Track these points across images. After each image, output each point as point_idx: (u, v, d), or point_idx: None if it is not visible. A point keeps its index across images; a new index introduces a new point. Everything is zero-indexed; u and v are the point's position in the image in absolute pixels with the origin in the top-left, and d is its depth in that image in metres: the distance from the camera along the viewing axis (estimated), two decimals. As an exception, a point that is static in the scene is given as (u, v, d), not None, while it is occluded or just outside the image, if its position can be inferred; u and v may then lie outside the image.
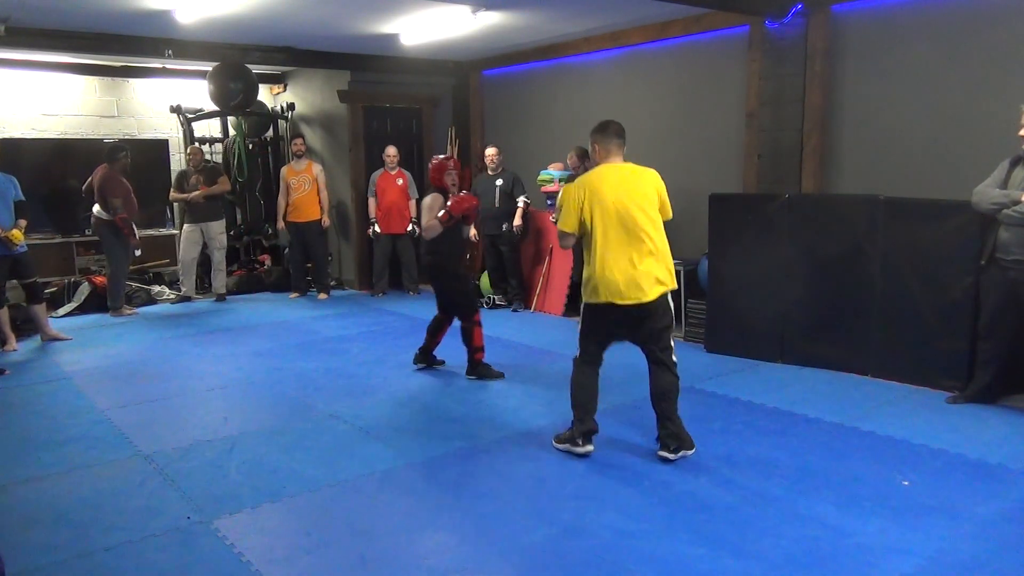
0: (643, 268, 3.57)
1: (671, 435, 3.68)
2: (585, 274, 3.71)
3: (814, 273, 5.22)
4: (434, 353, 5.42)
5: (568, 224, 3.70)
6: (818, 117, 5.70)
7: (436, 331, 5.31)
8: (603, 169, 3.73)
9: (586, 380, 3.84)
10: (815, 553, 2.83)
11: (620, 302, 3.58)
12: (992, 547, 2.86)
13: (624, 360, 5.60)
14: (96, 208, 7.30)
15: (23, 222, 6.10)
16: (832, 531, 2.99)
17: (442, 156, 5.27)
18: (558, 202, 3.77)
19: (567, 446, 3.80)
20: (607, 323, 3.75)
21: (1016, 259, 4.17)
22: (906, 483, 3.42)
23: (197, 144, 8.58)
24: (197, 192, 8.04)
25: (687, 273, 6.30)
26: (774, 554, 2.83)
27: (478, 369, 5.14)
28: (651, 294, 3.58)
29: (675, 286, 3.70)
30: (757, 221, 5.45)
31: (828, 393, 4.72)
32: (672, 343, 3.77)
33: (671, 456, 3.65)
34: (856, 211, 5.05)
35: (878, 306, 4.95)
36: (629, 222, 3.58)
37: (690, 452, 3.72)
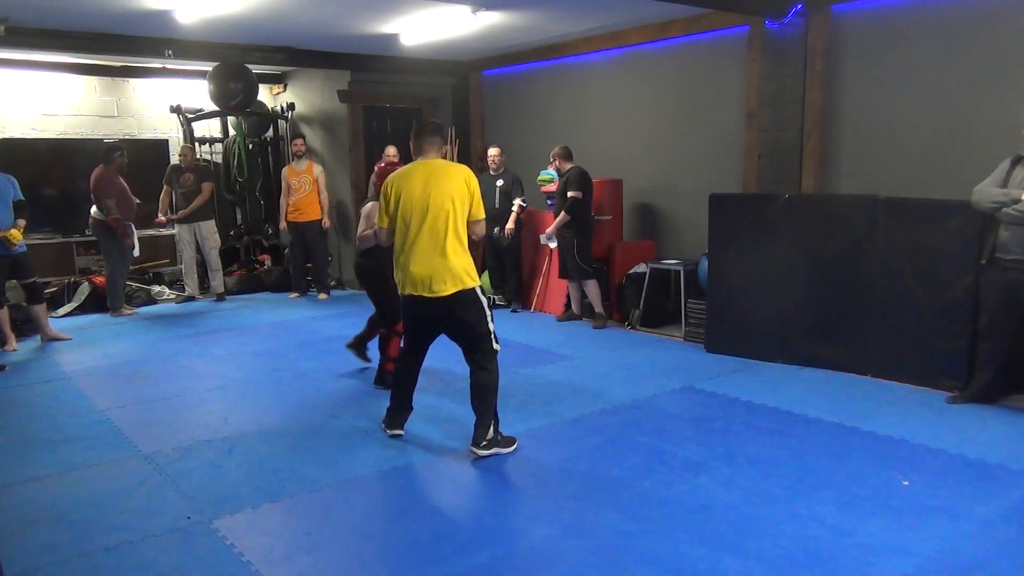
0: (443, 262, 3.65)
1: (474, 436, 3.78)
2: (396, 267, 3.81)
3: (814, 273, 5.22)
4: (367, 345, 5.42)
5: (380, 219, 3.83)
6: (818, 117, 5.70)
7: (375, 324, 5.28)
8: (412, 165, 3.81)
9: (404, 368, 4.06)
10: (815, 553, 2.83)
11: (423, 295, 3.69)
12: (992, 547, 2.86)
13: (624, 360, 5.63)
14: (93, 208, 7.31)
15: (22, 222, 6.09)
16: (832, 531, 2.99)
17: (383, 162, 5.18)
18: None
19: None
20: (415, 316, 3.86)
21: (1016, 258, 4.17)
22: (906, 483, 3.42)
23: (189, 144, 8.54)
24: (181, 212, 8.08)
25: (687, 273, 6.31)
26: (774, 554, 2.83)
27: (387, 379, 4.80)
28: (449, 288, 3.66)
29: (473, 284, 3.73)
30: (757, 221, 5.45)
31: (828, 393, 4.72)
32: (490, 342, 3.78)
33: (478, 452, 3.74)
34: (856, 211, 5.04)
35: (878, 306, 4.95)
36: (434, 218, 3.65)
37: (493, 451, 3.76)
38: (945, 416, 4.29)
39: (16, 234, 5.98)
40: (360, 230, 4.88)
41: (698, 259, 6.25)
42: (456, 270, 3.67)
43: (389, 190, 3.77)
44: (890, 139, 5.41)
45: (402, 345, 4.06)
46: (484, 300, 3.78)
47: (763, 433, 4.07)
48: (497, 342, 3.82)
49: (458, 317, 3.73)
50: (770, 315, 5.44)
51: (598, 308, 6.72)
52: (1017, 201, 4.08)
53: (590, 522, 3.10)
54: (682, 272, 6.34)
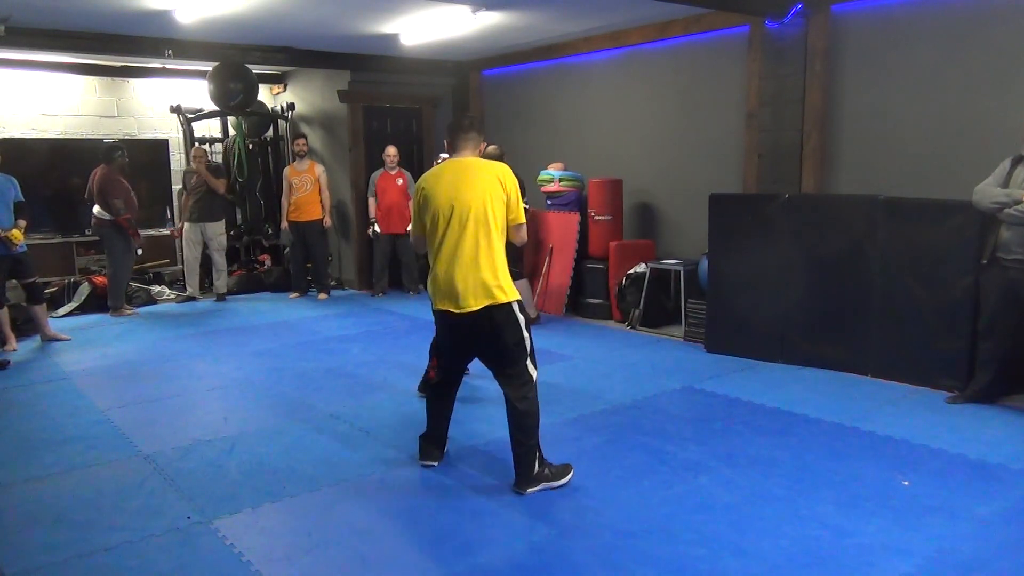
0: (473, 273, 3.25)
1: (517, 474, 3.37)
2: (428, 278, 3.46)
3: (814, 273, 5.22)
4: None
5: (414, 225, 3.51)
6: (818, 117, 5.70)
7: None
8: (443, 164, 3.48)
9: (434, 394, 3.71)
10: (815, 553, 2.83)
11: (454, 309, 3.30)
12: (992, 547, 2.86)
13: (624, 360, 5.63)
14: (96, 208, 7.31)
15: (23, 222, 6.10)
16: (832, 531, 2.99)
17: (446, 156, 5.04)
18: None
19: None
20: (445, 333, 3.49)
21: (1017, 258, 4.17)
22: (906, 483, 3.42)
23: (198, 144, 8.56)
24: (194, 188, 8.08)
25: (687, 273, 6.31)
26: (774, 554, 2.83)
27: (429, 386, 4.83)
28: (478, 303, 3.25)
29: (506, 299, 3.28)
30: (757, 221, 5.45)
31: (828, 393, 4.72)
32: (525, 366, 3.36)
33: (524, 491, 3.34)
34: (856, 211, 5.05)
35: (878, 306, 4.95)
36: (462, 223, 3.27)
37: (541, 487, 3.35)
38: (945, 416, 4.29)
39: (17, 234, 5.99)
40: (413, 231, 4.73)
41: (698, 259, 6.25)
42: (487, 282, 3.25)
43: (419, 192, 3.42)
44: (890, 139, 5.41)
45: (436, 365, 3.69)
46: (522, 318, 3.32)
47: (763, 433, 4.07)
48: (536, 366, 3.40)
49: (488, 336, 3.31)
50: (770, 315, 5.43)
51: (528, 308, 6.77)
52: (1019, 202, 4.08)
53: (590, 522, 3.10)
54: (682, 272, 6.34)
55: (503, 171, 3.37)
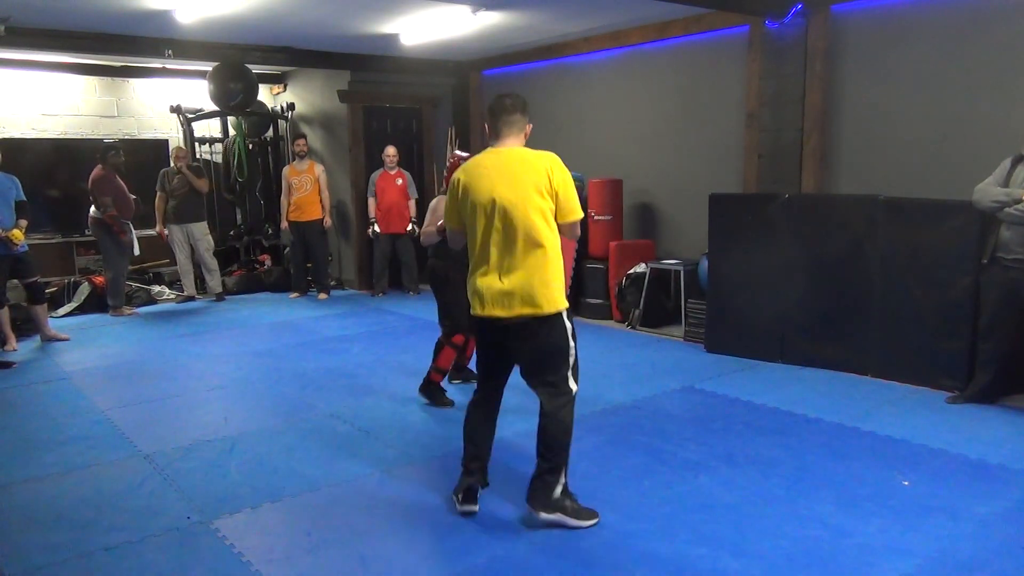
0: (516, 276, 2.93)
1: (532, 489, 3.05)
2: (468, 278, 3.12)
3: (814, 273, 5.22)
4: (469, 367, 4.98)
5: (448, 218, 3.16)
6: (818, 117, 5.70)
7: (465, 345, 4.83)
8: (483, 154, 3.08)
9: (471, 417, 3.24)
10: (815, 553, 2.83)
11: (490, 315, 2.98)
12: (992, 547, 2.86)
13: (624, 360, 5.63)
14: (92, 208, 7.31)
15: (24, 222, 6.10)
16: (832, 531, 2.99)
17: (463, 154, 4.68)
18: None
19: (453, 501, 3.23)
20: (483, 342, 3.18)
21: (1017, 258, 4.17)
22: (906, 483, 3.42)
23: (183, 147, 8.51)
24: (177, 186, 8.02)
25: (687, 273, 6.31)
26: (774, 554, 2.83)
27: (429, 388, 4.65)
28: (519, 310, 2.93)
29: (551, 308, 2.94)
30: (757, 221, 5.44)
31: (828, 393, 4.72)
32: (566, 382, 3.03)
33: (541, 515, 3.02)
34: (856, 211, 5.05)
35: (878, 306, 4.95)
36: (502, 220, 2.93)
37: (556, 517, 3.01)
38: (945, 416, 4.29)
39: (18, 234, 6.00)
40: (424, 226, 4.50)
41: (698, 259, 6.25)
42: (531, 287, 2.90)
43: (456, 184, 3.05)
44: (890, 139, 5.41)
45: (475, 390, 3.31)
46: (569, 328, 2.99)
47: (763, 433, 4.07)
48: (576, 381, 3.07)
49: (529, 346, 3.00)
50: (770, 315, 5.43)
51: None
52: (1019, 201, 4.08)
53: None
54: (682, 272, 6.34)
55: (552, 162, 2.97)
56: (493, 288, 2.95)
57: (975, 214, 4.36)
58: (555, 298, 2.95)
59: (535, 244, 2.92)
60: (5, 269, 6.05)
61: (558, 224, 2.99)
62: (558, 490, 3.02)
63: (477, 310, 3.01)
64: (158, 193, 8.08)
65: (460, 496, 3.18)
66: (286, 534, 3.10)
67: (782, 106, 5.87)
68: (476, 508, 3.18)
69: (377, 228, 8.29)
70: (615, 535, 2.99)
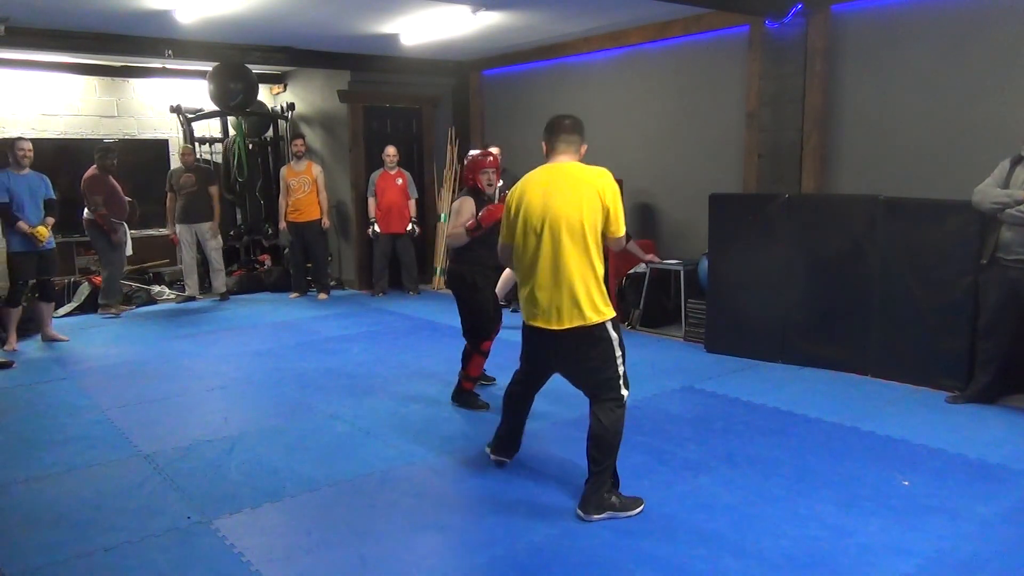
0: (564, 289, 3.05)
1: (586, 495, 3.15)
2: (518, 290, 3.29)
3: (814, 273, 5.22)
4: (484, 372, 4.86)
5: (503, 234, 3.29)
6: (818, 117, 5.70)
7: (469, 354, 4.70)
8: (539, 170, 3.22)
9: (515, 393, 3.57)
10: (815, 553, 2.83)
11: (544, 326, 3.13)
12: (992, 547, 2.86)
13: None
14: (86, 209, 7.31)
15: (51, 219, 6.27)
16: (832, 531, 2.99)
17: (477, 152, 4.66)
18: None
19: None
20: (532, 349, 3.33)
21: (1017, 258, 4.17)
22: (906, 483, 3.42)
23: (189, 145, 8.54)
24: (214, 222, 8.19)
25: (687, 273, 6.31)
26: (774, 554, 2.83)
27: (461, 396, 4.63)
28: (569, 321, 3.07)
29: (598, 319, 3.08)
30: (757, 221, 5.45)
31: (828, 393, 4.72)
32: (617, 389, 3.17)
33: (590, 517, 3.11)
34: (856, 211, 5.05)
35: (878, 306, 4.95)
36: (554, 234, 3.06)
37: (606, 515, 3.11)
38: (945, 416, 4.29)
39: (43, 231, 6.16)
40: (449, 228, 4.40)
41: (698, 259, 6.25)
42: (579, 299, 3.04)
43: (511, 198, 3.20)
44: (890, 139, 5.41)
45: (519, 368, 3.53)
46: (616, 337, 3.12)
47: (763, 433, 4.07)
48: (627, 387, 3.19)
49: (577, 357, 3.15)
50: (770, 315, 5.44)
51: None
52: (1020, 202, 4.08)
53: (590, 522, 3.10)
54: (682, 272, 6.34)
55: (604, 179, 3.10)
56: (544, 300, 3.09)
57: (975, 214, 4.36)
58: (602, 309, 3.09)
59: (584, 257, 3.06)
60: (31, 267, 6.18)
61: (604, 237, 3.14)
62: (606, 490, 3.15)
63: (532, 321, 3.18)
64: (167, 193, 8.16)
65: (492, 446, 3.70)
66: (286, 534, 3.10)
67: (782, 106, 5.87)
68: (508, 460, 3.67)
69: (377, 228, 8.29)
70: (615, 535, 2.99)
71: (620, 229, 3.14)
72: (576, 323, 3.06)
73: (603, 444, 3.13)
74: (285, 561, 2.85)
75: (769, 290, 5.42)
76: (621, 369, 3.15)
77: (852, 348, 5.08)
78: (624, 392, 3.17)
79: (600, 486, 3.13)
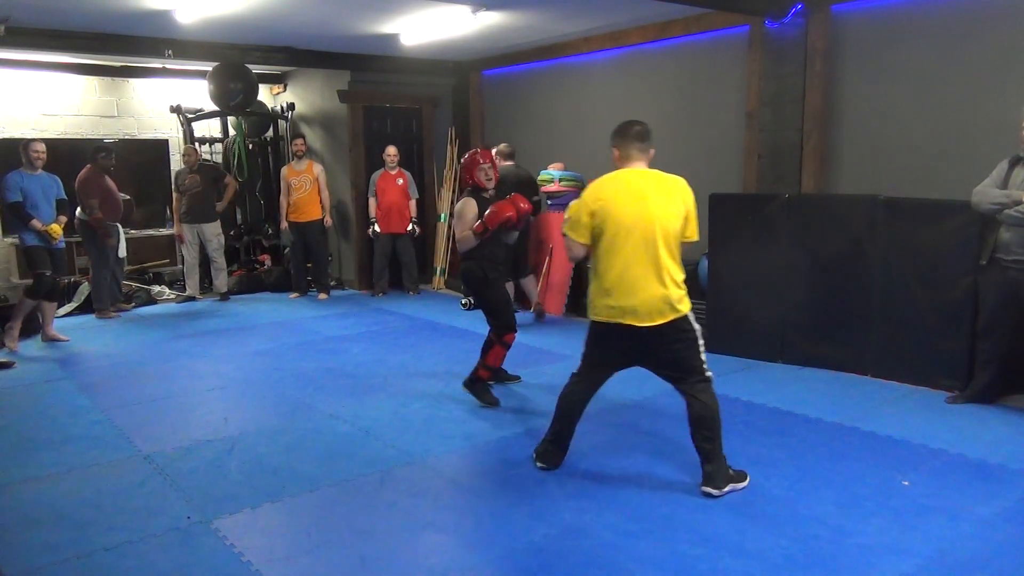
0: (659, 289, 3.27)
1: (706, 473, 3.37)
2: (593, 289, 3.44)
3: (814, 273, 5.22)
4: (503, 367, 4.88)
5: (579, 234, 3.41)
6: (818, 117, 5.70)
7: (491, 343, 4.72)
8: (621, 174, 3.40)
9: (573, 393, 3.62)
10: (815, 553, 2.83)
11: (631, 323, 3.29)
12: (992, 547, 2.86)
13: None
14: (78, 210, 7.30)
15: (63, 218, 6.40)
16: (832, 531, 2.99)
17: (473, 150, 4.76)
18: (568, 209, 3.51)
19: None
20: (611, 345, 3.46)
21: (1017, 259, 4.16)
22: (906, 483, 3.42)
23: (192, 144, 8.55)
24: (220, 206, 8.29)
25: (687, 273, 6.29)
26: (774, 554, 2.83)
27: (475, 385, 4.66)
28: (662, 317, 3.28)
29: (685, 310, 3.33)
30: (757, 221, 5.45)
31: (828, 393, 4.72)
32: (703, 372, 3.38)
33: (715, 492, 3.32)
34: (856, 211, 5.05)
35: (878, 306, 4.95)
36: (647, 237, 3.26)
37: (719, 491, 3.32)
38: (945, 416, 4.29)
39: (56, 229, 6.27)
40: (457, 233, 4.51)
41: (698, 259, 6.24)
42: (672, 297, 3.27)
43: (593, 202, 3.34)
44: (890, 139, 5.41)
45: (578, 370, 3.61)
46: (698, 328, 3.37)
47: (763, 433, 4.07)
48: (709, 369, 3.42)
49: (668, 348, 3.34)
50: (770, 315, 5.43)
51: (534, 301, 7.19)
52: (1019, 203, 4.08)
53: (590, 522, 3.10)
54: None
55: (684, 186, 3.40)
56: (636, 299, 3.27)
57: (975, 214, 4.36)
58: (687, 303, 3.36)
59: (671, 257, 3.32)
60: (46, 258, 6.27)
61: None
62: (726, 464, 3.38)
63: (617, 318, 3.31)
64: (174, 194, 8.21)
65: (539, 453, 3.68)
66: (286, 534, 3.10)
67: (782, 106, 5.87)
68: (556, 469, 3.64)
69: (377, 228, 8.29)
70: (615, 535, 2.99)
71: (695, 234, 3.42)
72: (669, 318, 3.28)
73: (712, 421, 3.34)
74: (285, 561, 2.85)
75: (769, 290, 5.42)
76: (703, 356, 3.39)
77: (852, 348, 5.08)
78: (708, 373, 3.39)
79: (722, 461, 3.35)
